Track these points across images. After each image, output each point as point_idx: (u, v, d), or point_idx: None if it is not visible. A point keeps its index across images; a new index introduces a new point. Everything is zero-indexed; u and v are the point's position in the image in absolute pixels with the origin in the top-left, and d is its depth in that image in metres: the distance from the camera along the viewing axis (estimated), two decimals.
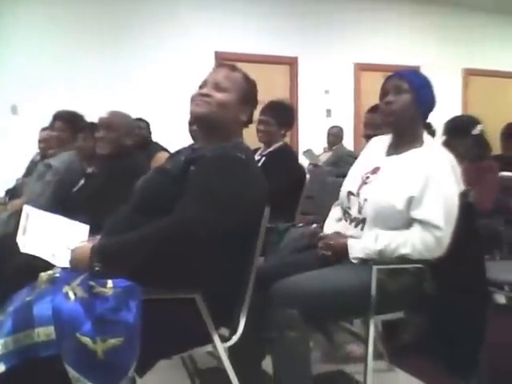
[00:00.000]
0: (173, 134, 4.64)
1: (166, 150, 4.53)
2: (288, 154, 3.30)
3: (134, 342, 1.41)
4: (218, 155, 1.68)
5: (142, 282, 1.45)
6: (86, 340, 1.35)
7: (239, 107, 1.80)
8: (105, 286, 1.43)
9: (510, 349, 2.70)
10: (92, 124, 3.31)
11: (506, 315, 3.23)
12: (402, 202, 1.95)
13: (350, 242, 2.02)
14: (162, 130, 5.07)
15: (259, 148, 3.35)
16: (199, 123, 1.82)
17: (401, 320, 2.08)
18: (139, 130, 4.38)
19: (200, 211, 1.55)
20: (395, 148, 2.13)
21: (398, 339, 2.48)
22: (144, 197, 1.74)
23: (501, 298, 3.56)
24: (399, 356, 2.59)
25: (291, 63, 7.20)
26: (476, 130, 3.39)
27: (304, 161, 5.66)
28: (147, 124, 4.81)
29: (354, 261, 1.99)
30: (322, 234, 2.19)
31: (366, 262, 1.95)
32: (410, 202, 1.95)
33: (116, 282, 1.43)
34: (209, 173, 1.64)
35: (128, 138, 2.97)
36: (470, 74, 8.21)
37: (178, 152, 1.94)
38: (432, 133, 3.97)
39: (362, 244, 1.99)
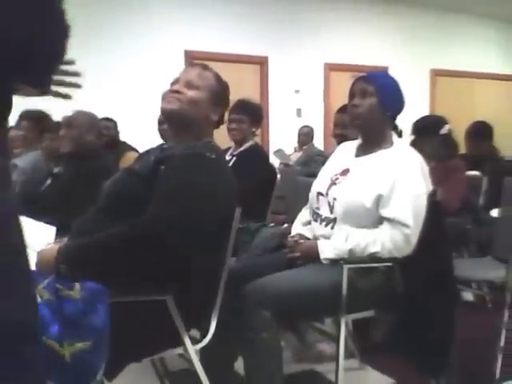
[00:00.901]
0: (142, 133, 4.59)
1: (135, 150, 4.48)
2: (259, 154, 3.30)
3: (102, 345, 1.39)
4: (187, 154, 1.68)
5: (110, 285, 1.42)
6: (53, 343, 1.32)
7: (210, 106, 1.79)
8: (72, 288, 1.40)
9: (478, 346, 2.74)
10: (59, 124, 3.26)
11: (474, 312, 3.29)
12: (370, 201, 1.97)
13: (320, 243, 2.03)
14: (131, 130, 5.01)
15: (230, 148, 3.34)
16: (170, 120, 1.81)
17: (371, 319, 2.10)
18: (107, 130, 4.32)
19: (169, 211, 1.54)
20: (364, 149, 2.16)
21: (368, 338, 2.50)
22: (112, 198, 1.72)
23: (468, 296, 3.63)
24: (370, 354, 2.61)
25: (261, 63, 7.21)
26: (444, 130, 3.45)
27: (275, 160, 5.67)
28: (115, 123, 4.75)
29: (325, 261, 2.00)
30: (289, 236, 2.20)
31: (336, 262, 1.96)
32: (379, 201, 1.97)
33: (84, 285, 1.40)
34: (178, 172, 1.63)
35: (90, 135, 2.96)
36: (437, 74, 8.34)
37: (147, 152, 1.92)
38: (399, 133, 4.01)
39: (333, 244, 2.00)
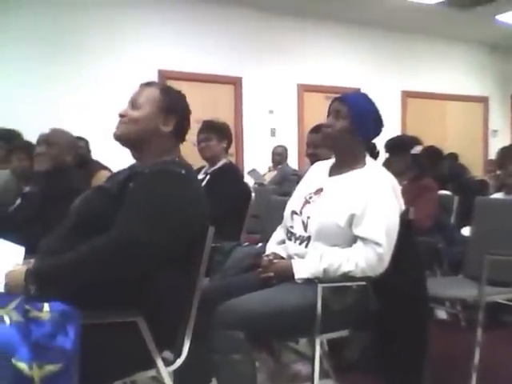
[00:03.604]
0: (114, 152, 4.55)
1: (107, 169, 4.44)
2: (233, 172, 3.30)
3: (73, 367, 1.36)
4: (156, 171, 1.67)
5: (80, 305, 1.39)
6: (23, 366, 1.29)
7: (158, 119, 1.78)
8: (41, 310, 1.37)
9: (452, 364, 2.75)
10: (28, 143, 3.22)
11: (447, 331, 3.31)
12: (344, 220, 1.99)
13: (295, 263, 2.03)
14: (103, 149, 4.95)
15: (203, 167, 3.34)
16: (123, 144, 1.82)
17: (346, 338, 2.09)
18: (78, 148, 4.27)
19: (136, 228, 1.53)
20: (337, 169, 2.18)
21: (343, 357, 2.49)
22: (81, 216, 1.70)
23: (442, 314, 3.66)
24: (345, 374, 2.59)
25: (235, 83, 7.25)
26: (415, 150, 3.50)
27: (249, 180, 5.67)
28: (86, 142, 4.72)
29: (299, 281, 1.99)
30: (263, 255, 2.20)
31: (310, 281, 1.95)
32: (352, 220, 1.99)
33: (52, 306, 1.37)
34: (146, 189, 1.62)
35: (69, 155, 2.92)
36: (408, 95, 8.50)
37: (117, 173, 1.91)
38: (376, 154, 4.07)
39: (307, 264, 2.00)
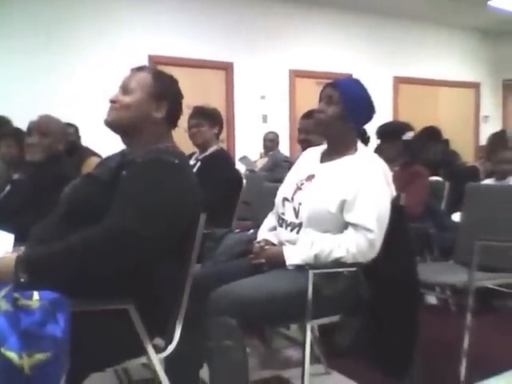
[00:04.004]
0: (104, 138, 4.52)
1: (97, 155, 4.42)
2: (224, 159, 3.29)
3: (63, 356, 1.35)
4: (149, 160, 1.65)
5: (70, 294, 1.38)
6: (12, 355, 1.27)
7: (150, 105, 1.76)
8: (30, 298, 1.35)
9: (442, 349, 2.78)
10: (17, 130, 3.18)
11: (437, 316, 3.33)
12: (335, 206, 1.99)
13: (286, 249, 2.03)
14: (94, 135, 4.92)
15: (194, 153, 3.32)
16: (114, 131, 1.79)
17: (337, 323, 2.10)
18: (68, 135, 4.25)
19: (130, 219, 1.51)
20: (329, 155, 2.18)
21: (334, 343, 2.50)
22: (71, 204, 1.68)
23: (432, 299, 3.69)
24: (336, 359, 2.61)
25: (227, 68, 7.20)
26: (407, 136, 3.50)
27: (241, 167, 5.66)
28: (76, 128, 4.68)
29: (291, 267, 2.00)
30: (255, 242, 2.20)
31: (302, 267, 1.96)
32: (343, 206, 1.99)
33: (42, 294, 1.36)
34: (139, 179, 1.60)
35: (61, 144, 2.88)
36: (399, 81, 8.49)
37: (107, 158, 1.89)
38: (367, 139, 4.06)
39: (298, 250, 2.00)
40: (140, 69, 1.82)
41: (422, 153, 4.26)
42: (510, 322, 3.29)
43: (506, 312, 3.58)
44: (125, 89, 1.77)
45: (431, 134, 4.55)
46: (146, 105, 1.75)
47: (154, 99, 1.76)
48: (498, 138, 5.08)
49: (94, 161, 3.91)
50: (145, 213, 1.53)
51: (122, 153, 1.82)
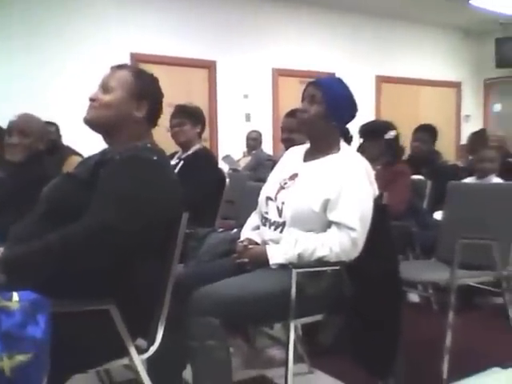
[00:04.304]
0: (86, 137, 4.48)
1: (78, 154, 4.38)
2: (207, 158, 3.27)
3: (44, 357, 1.34)
4: (127, 157, 1.64)
5: (51, 294, 1.37)
6: None
7: (130, 104, 1.74)
8: (10, 299, 1.33)
9: (425, 346, 2.80)
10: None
11: (419, 313, 3.36)
12: (318, 205, 1.99)
13: (269, 248, 2.03)
14: (75, 134, 4.87)
15: (177, 152, 3.30)
16: (94, 130, 1.77)
17: (320, 322, 2.10)
18: (48, 134, 4.20)
19: (108, 215, 1.50)
20: (312, 154, 2.18)
21: (317, 341, 2.51)
22: (50, 203, 1.67)
23: (414, 297, 3.71)
24: (320, 358, 2.62)
25: (209, 67, 7.17)
26: (389, 135, 3.52)
27: (224, 166, 5.65)
28: (57, 127, 4.64)
29: (274, 266, 1.99)
30: (238, 241, 2.19)
31: (285, 267, 1.95)
32: (326, 205, 2.00)
33: (22, 295, 1.34)
34: (118, 176, 1.59)
35: (42, 144, 2.85)
36: (382, 80, 8.53)
37: (88, 158, 1.87)
38: (350, 139, 4.07)
39: (282, 249, 2.00)
40: (120, 67, 1.81)
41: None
42: (491, 319, 3.32)
43: (487, 309, 3.61)
44: (104, 87, 1.75)
45: (432, 132, 4.52)
46: (126, 104, 1.74)
47: (135, 98, 1.75)
48: (478, 137, 5.14)
49: (75, 160, 3.87)
50: (123, 209, 1.52)
51: (102, 152, 1.81)
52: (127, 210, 1.52)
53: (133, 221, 1.52)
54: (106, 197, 1.54)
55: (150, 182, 1.60)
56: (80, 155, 4.27)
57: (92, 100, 1.74)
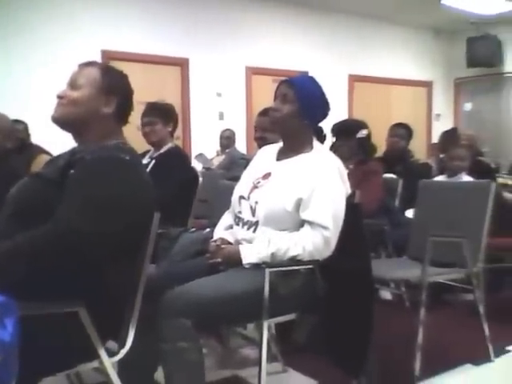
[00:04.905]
0: (55, 136, 4.41)
1: (47, 153, 4.30)
2: (179, 157, 3.24)
3: (12, 361, 1.30)
4: (98, 157, 1.61)
5: (19, 297, 1.33)
6: None
7: (99, 100, 1.72)
8: None
9: (397, 344, 2.82)
10: None
11: (392, 311, 3.39)
12: (291, 204, 1.99)
13: (242, 248, 2.02)
14: (44, 132, 4.78)
15: (149, 151, 3.26)
16: (62, 128, 1.75)
17: (294, 321, 2.10)
18: (17, 132, 4.13)
19: (76, 216, 1.47)
20: (285, 153, 2.18)
21: (291, 340, 2.51)
22: (18, 204, 1.63)
23: (387, 295, 3.75)
24: (293, 357, 2.62)
25: (182, 64, 7.11)
26: (361, 134, 3.54)
27: (197, 165, 5.61)
28: (25, 126, 4.55)
29: (247, 266, 1.98)
30: (211, 240, 2.17)
31: (258, 266, 1.95)
32: (299, 204, 2.00)
33: None
34: (87, 176, 1.56)
35: (9, 141, 2.79)
36: (354, 79, 8.59)
37: (57, 157, 1.83)
38: (323, 138, 4.09)
39: (255, 249, 1.99)
40: (88, 64, 1.79)
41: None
42: (462, 316, 3.37)
43: (458, 306, 3.67)
44: (72, 84, 1.73)
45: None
46: (94, 100, 1.72)
47: (103, 94, 1.73)
48: (449, 136, 5.20)
49: (44, 159, 3.80)
50: (92, 211, 1.49)
51: (71, 151, 1.77)
52: (96, 212, 1.50)
53: (102, 223, 1.49)
54: (74, 198, 1.51)
55: (121, 182, 1.58)
56: (49, 154, 4.19)
57: (60, 97, 1.72)
